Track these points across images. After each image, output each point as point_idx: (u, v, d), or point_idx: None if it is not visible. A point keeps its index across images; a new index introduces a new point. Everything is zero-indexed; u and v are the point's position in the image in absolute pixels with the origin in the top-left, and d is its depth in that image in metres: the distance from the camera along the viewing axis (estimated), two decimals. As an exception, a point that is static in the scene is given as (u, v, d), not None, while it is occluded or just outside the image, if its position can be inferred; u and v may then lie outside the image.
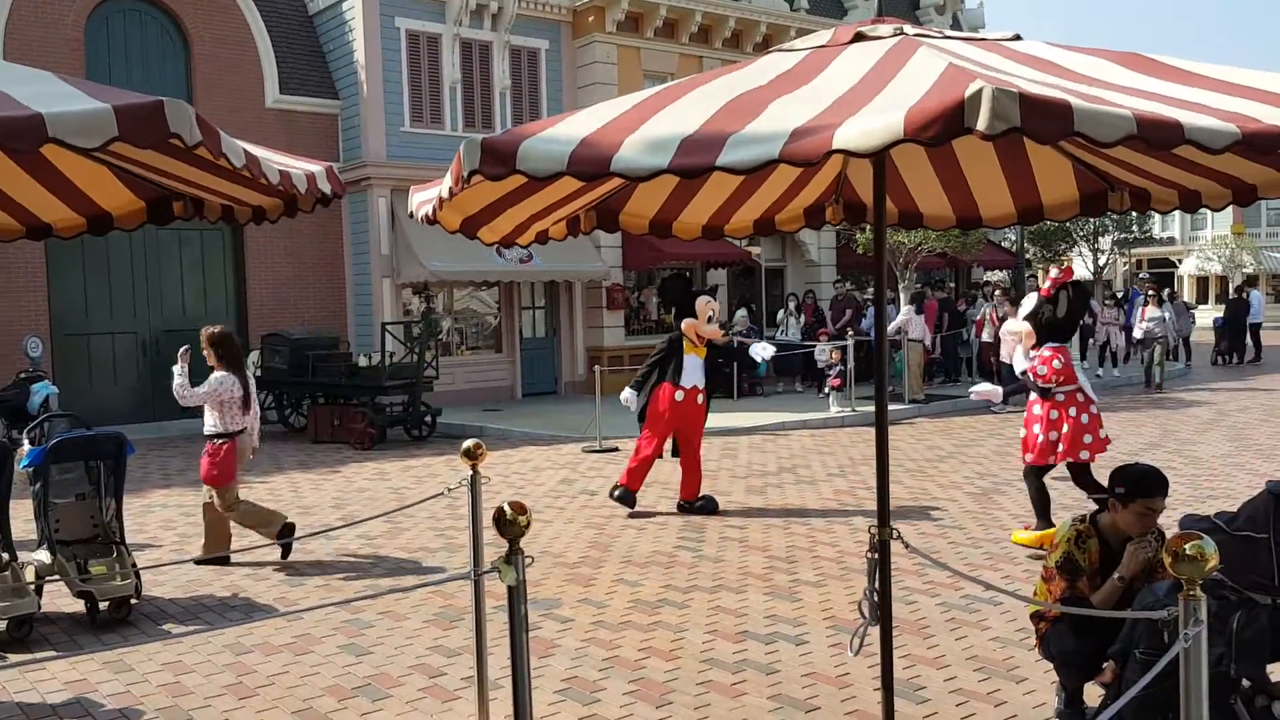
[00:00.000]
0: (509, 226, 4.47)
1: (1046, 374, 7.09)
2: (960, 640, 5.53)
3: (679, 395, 8.64)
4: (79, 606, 6.32)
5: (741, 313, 18.72)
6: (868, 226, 18.36)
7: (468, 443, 4.49)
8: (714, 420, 14.52)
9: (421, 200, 3.87)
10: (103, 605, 6.21)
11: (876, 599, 3.62)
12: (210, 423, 7.51)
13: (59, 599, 6.56)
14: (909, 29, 3.31)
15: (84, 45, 15.51)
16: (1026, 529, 7.62)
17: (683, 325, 8.69)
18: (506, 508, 3.22)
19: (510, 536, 3.24)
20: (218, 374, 7.46)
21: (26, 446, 7.01)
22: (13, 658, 5.60)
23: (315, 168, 3.61)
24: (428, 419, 14.14)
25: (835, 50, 3.19)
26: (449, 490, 4.75)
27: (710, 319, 8.71)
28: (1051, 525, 7.36)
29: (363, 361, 14.17)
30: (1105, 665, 4.02)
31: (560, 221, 4.76)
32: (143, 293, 16.44)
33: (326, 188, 3.59)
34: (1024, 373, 7.39)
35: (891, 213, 4.69)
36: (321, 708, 4.83)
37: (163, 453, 13.46)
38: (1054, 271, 7.34)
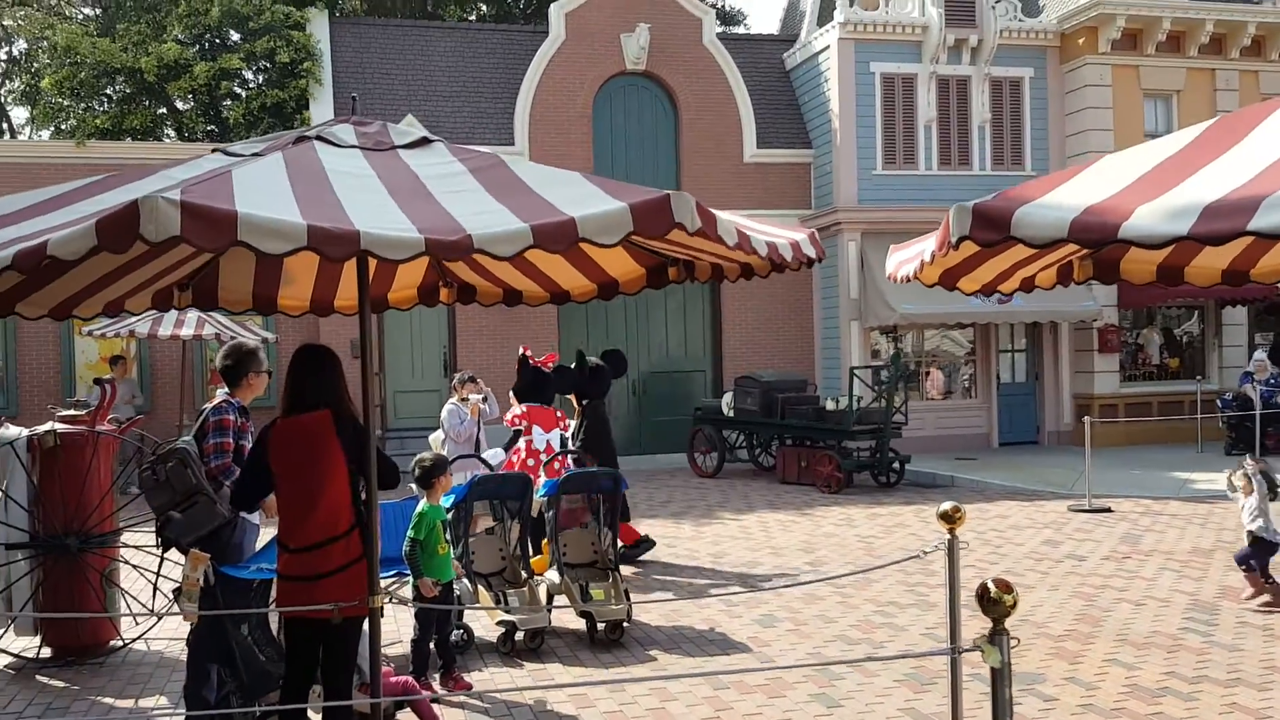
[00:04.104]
0: (990, 275, 4.28)
1: (512, 419, 8.83)
2: None
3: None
4: (579, 624, 7.03)
5: (1260, 355, 16.13)
6: None
7: (945, 505, 4.27)
8: (1208, 484, 12.63)
9: (901, 260, 3.83)
10: (600, 626, 6.85)
11: None
12: None
13: (563, 616, 7.34)
14: None
15: (592, 114, 17.65)
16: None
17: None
18: (991, 585, 3.05)
19: (995, 616, 3.06)
20: None
21: (543, 479, 8.01)
22: (528, 666, 6.38)
23: (799, 235, 3.72)
24: (895, 465, 13.94)
25: None
26: (924, 554, 4.59)
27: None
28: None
29: (830, 405, 14.32)
30: None
31: (1050, 268, 4.45)
32: (634, 339, 18.15)
33: (811, 253, 3.67)
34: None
35: None
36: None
37: (649, 484, 14.63)
38: (527, 351, 9.07)
